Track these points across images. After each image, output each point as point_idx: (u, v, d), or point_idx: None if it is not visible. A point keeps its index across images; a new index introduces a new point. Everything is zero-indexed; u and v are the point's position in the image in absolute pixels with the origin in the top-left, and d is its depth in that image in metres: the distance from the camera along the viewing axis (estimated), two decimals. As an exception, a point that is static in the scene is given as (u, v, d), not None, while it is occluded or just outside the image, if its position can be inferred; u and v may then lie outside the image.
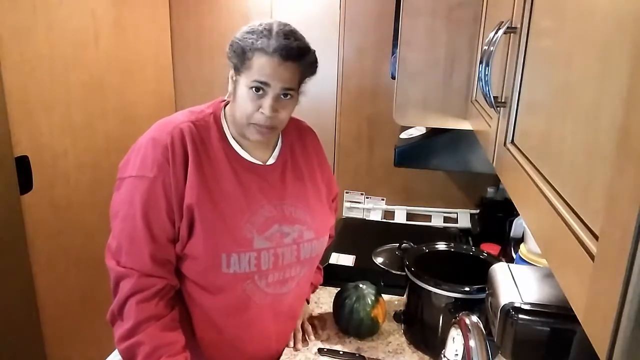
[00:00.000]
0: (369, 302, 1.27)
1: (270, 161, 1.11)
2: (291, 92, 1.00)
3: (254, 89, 0.97)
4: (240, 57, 0.98)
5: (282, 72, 0.96)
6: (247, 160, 1.07)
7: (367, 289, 1.30)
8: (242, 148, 1.07)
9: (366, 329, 1.28)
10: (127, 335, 0.97)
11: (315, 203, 1.17)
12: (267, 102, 0.97)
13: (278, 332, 1.20)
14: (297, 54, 0.97)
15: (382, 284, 1.51)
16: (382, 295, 1.33)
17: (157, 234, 0.99)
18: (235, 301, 1.07)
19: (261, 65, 0.96)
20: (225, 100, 1.11)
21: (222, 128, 1.07)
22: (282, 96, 0.99)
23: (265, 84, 0.97)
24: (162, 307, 1.00)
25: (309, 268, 1.18)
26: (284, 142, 1.15)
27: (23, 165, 1.68)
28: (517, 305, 0.81)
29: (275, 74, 0.96)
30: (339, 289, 1.36)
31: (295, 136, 1.19)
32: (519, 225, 1.63)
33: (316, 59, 1.04)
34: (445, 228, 2.24)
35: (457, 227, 2.22)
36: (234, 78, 1.02)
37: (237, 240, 1.01)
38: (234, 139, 1.07)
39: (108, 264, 1.01)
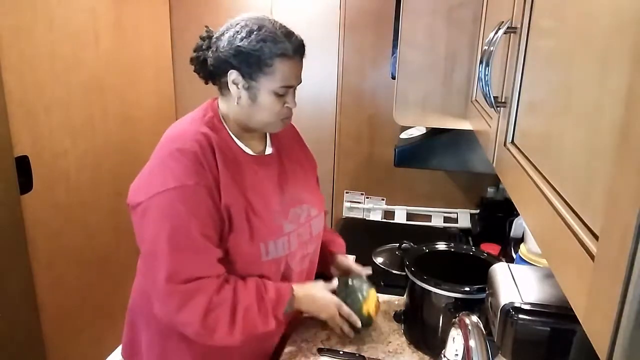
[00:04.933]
0: (360, 297, 1.26)
1: (268, 151, 1.17)
2: None
3: (278, 92, 1.04)
4: (256, 65, 1.01)
5: (298, 69, 1.06)
6: (251, 154, 1.12)
7: (356, 284, 1.28)
8: (244, 144, 1.12)
9: (361, 324, 1.28)
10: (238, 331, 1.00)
11: (309, 182, 1.25)
12: (290, 97, 1.07)
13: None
14: (304, 48, 1.06)
15: (382, 284, 1.51)
16: (376, 290, 1.31)
17: (212, 236, 1.00)
18: None
19: (285, 70, 1.02)
20: (215, 99, 1.14)
21: (226, 128, 1.10)
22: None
23: (291, 86, 1.05)
24: (233, 289, 1.02)
25: (316, 245, 1.26)
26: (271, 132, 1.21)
27: (23, 165, 1.67)
28: (517, 305, 0.81)
29: (296, 74, 1.06)
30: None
31: None
32: (519, 225, 1.63)
33: None
34: (445, 228, 2.25)
35: (457, 227, 2.22)
36: (241, 84, 1.03)
37: (271, 229, 1.07)
38: (234, 135, 1.11)
39: (163, 305, 0.97)
